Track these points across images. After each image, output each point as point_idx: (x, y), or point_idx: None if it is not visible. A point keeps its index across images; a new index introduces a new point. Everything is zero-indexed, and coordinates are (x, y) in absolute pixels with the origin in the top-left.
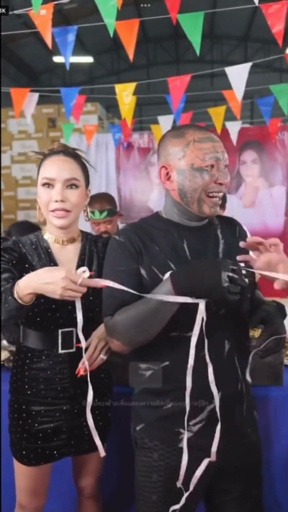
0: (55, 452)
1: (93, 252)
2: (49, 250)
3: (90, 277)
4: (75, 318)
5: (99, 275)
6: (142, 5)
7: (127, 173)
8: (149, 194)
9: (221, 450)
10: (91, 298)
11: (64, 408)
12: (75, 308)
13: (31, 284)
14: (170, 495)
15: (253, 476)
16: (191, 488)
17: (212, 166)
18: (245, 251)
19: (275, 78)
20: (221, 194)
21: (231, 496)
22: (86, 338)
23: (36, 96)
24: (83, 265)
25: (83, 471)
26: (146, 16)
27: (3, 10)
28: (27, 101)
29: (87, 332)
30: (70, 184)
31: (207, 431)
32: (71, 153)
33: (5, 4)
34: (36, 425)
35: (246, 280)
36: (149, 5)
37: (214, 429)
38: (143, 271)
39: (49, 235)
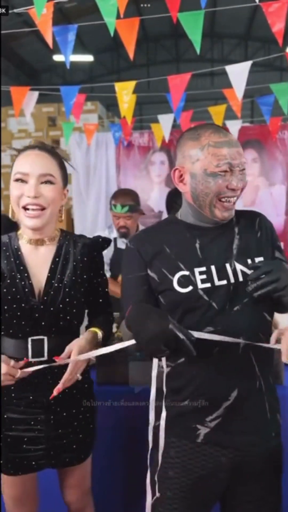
0: (33, 463)
1: (69, 254)
2: (19, 253)
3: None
4: (44, 325)
5: (73, 279)
6: (142, 5)
7: (127, 172)
8: (149, 193)
9: (241, 449)
10: (61, 305)
11: (39, 418)
12: (42, 316)
13: None
14: (185, 492)
15: (272, 482)
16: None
17: (226, 171)
18: (262, 243)
19: (276, 77)
20: (234, 199)
21: (248, 499)
22: (59, 347)
23: (36, 94)
24: (55, 269)
25: (67, 485)
26: (146, 15)
27: (3, 10)
28: (27, 99)
29: (61, 340)
30: (45, 180)
31: (225, 427)
32: (48, 149)
33: (5, 4)
34: (10, 432)
35: (194, 338)
36: (149, 5)
37: (232, 426)
38: (153, 275)
39: (21, 236)
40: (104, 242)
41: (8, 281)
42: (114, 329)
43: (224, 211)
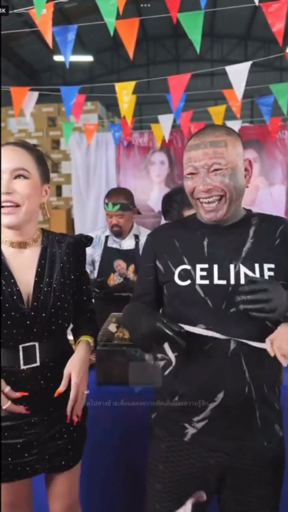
0: (27, 468)
1: (55, 255)
2: (2, 257)
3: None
4: (36, 332)
5: (61, 281)
6: (142, 5)
7: (127, 172)
8: (149, 193)
9: (229, 454)
10: (52, 310)
11: (33, 420)
12: (34, 322)
13: None
14: (174, 487)
15: (267, 493)
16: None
17: (192, 173)
18: (279, 251)
19: (276, 77)
20: (212, 199)
21: (239, 508)
22: (50, 351)
23: (35, 94)
24: (43, 273)
25: (54, 495)
26: (146, 15)
27: (3, 10)
28: (27, 99)
29: (52, 344)
30: (18, 174)
31: (211, 430)
32: (24, 145)
33: (5, 4)
34: (3, 440)
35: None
36: (149, 5)
37: (218, 430)
38: (160, 266)
39: (4, 240)
40: (87, 240)
41: None
42: (114, 329)
43: (206, 212)
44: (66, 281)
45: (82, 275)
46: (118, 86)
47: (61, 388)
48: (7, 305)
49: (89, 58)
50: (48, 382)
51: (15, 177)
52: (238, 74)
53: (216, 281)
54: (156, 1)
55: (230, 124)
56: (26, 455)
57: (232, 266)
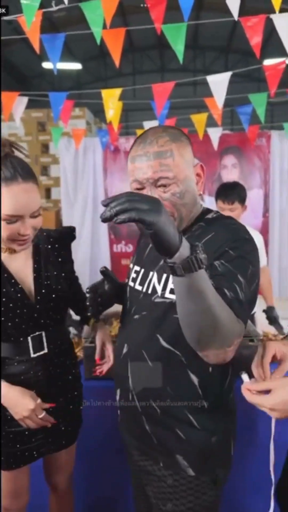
0: (34, 452)
1: (48, 251)
2: (1, 264)
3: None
4: (42, 322)
5: (55, 274)
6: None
7: (113, 175)
8: None
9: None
10: (55, 301)
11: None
12: (40, 314)
13: (4, 397)
14: (135, 487)
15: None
16: None
17: (139, 189)
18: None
19: (254, 88)
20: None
21: None
22: (55, 337)
23: (25, 100)
24: (39, 268)
25: (54, 468)
26: (132, 25)
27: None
28: (16, 104)
29: (56, 331)
30: (36, 215)
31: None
32: (29, 174)
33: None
34: (13, 429)
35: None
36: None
37: (124, 429)
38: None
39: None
40: (71, 231)
41: None
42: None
43: None
44: (61, 273)
45: (71, 263)
46: (104, 93)
47: (97, 355)
48: (11, 305)
49: (77, 66)
50: (56, 368)
51: (32, 217)
52: (218, 83)
53: (137, 285)
54: (142, 13)
55: (212, 131)
56: (33, 440)
57: (151, 273)
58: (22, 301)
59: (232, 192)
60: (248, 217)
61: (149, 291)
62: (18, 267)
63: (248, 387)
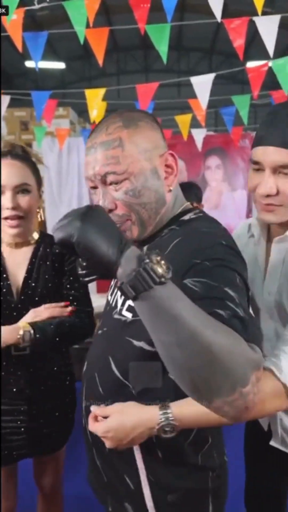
0: (14, 453)
1: (47, 255)
2: (1, 256)
3: None
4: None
5: (46, 278)
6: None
7: None
8: None
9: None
10: (37, 303)
11: (22, 408)
12: (20, 314)
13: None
14: None
15: None
16: None
17: (93, 188)
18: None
19: (238, 90)
20: (117, 219)
21: None
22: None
23: (7, 98)
24: (32, 270)
25: (41, 471)
26: (116, 25)
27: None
28: None
29: None
30: (21, 190)
31: None
32: (20, 156)
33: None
34: None
35: None
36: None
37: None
38: None
39: (2, 239)
40: None
41: None
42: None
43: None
44: (54, 279)
45: (73, 267)
46: (88, 92)
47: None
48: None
49: (61, 65)
50: (38, 371)
51: (18, 192)
52: (202, 85)
53: (109, 296)
54: (126, 13)
55: (196, 132)
56: (14, 439)
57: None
58: (5, 297)
59: (189, 191)
60: (233, 217)
61: (113, 304)
62: (15, 264)
63: (92, 413)
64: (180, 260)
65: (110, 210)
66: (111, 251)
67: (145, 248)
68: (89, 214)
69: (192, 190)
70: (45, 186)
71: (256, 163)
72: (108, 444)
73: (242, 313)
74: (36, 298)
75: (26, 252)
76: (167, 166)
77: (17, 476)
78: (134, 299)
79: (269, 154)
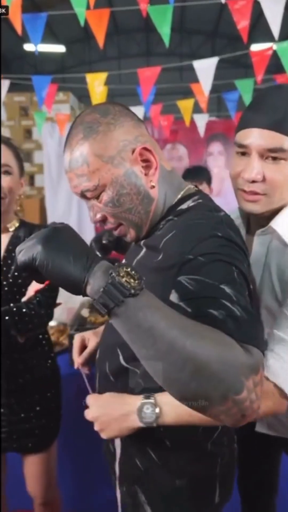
0: None
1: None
2: None
3: None
4: None
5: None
6: None
7: None
8: None
9: None
10: (8, 293)
11: (1, 402)
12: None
13: None
14: None
15: None
16: None
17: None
18: (160, 269)
19: (241, 74)
20: (110, 227)
21: None
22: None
23: (7, 83)
24: (10, 256)
25: (31, 475)
26: (117, 7)
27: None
28: None
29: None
30: (3, 171)
31: None
32: (4, 141)
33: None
34: None
35: None
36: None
37: None
38: None
39: None
40: None
41: None
42: (87, 314)
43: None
44: None
45: None
46: (89, 77)
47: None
48: None
49: (61, 49)
50: (16, 364)
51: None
52: (205, 69)
53: None
54: None
55: (198, 117)
56: None
57: None
58: None
59: (201, 172)
60: (235, 203)
61: None
62: None
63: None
64: (173, 256)
65: (103, 221)
66: (77, 270)
67: (142, 244)
68: (52, 236)
69: (204, 171)
70: (44, 173)
71: (241, 146)
72: (100, 432)
73: (239, 311)
74: (7, 287)
75: (3, 240)
76: (143, 161)
77: (5, 470)
78: (108, 315)
79: (256, 137)
